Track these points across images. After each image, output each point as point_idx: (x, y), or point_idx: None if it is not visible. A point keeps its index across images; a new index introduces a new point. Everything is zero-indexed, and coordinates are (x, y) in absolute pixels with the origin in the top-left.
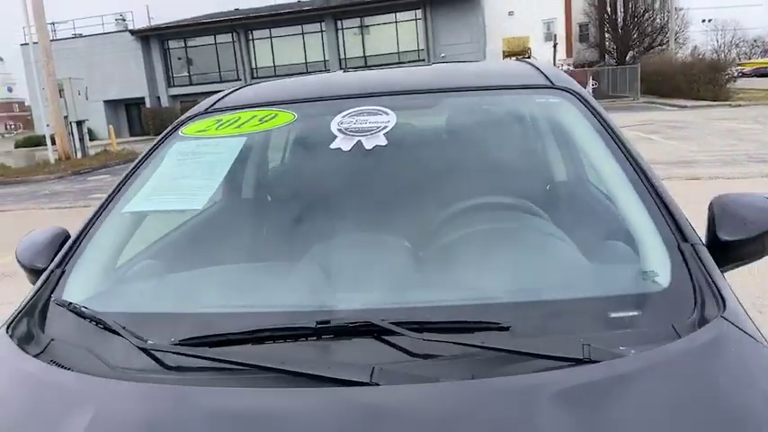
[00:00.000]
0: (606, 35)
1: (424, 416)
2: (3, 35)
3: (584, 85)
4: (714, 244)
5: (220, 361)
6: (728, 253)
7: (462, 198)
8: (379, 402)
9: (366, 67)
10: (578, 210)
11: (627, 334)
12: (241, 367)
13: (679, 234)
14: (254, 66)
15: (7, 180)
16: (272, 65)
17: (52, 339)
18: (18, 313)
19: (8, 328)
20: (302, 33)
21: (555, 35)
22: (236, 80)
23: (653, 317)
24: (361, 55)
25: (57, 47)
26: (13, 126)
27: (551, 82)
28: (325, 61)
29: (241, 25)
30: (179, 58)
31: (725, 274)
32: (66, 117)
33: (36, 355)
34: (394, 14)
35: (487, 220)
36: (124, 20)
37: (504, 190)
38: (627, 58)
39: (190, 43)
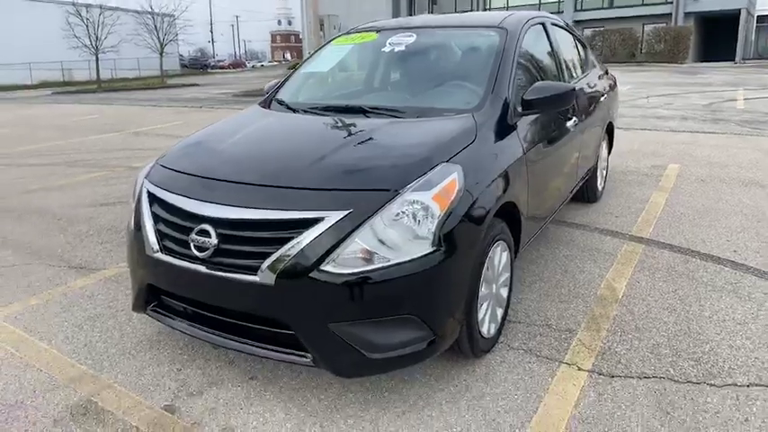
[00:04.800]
0: None
1: (358, 123)
2: None
3: None
4: (522, 100)
5: (314, 112)
6: (528, 106)
7: (428, 72)
8: (358, 118)
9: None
10: (468, 79)
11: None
12: (322, 111)
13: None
14: (488, 6)
15: None
16: (505, 5)
17: (270, 108)
18: (262, 100)
19: (259, 104)
20: None
21: None
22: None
23: None
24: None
25: None
26: (290, 54)
27: (498, 24)
28: (559, 2)
29: None
30: None
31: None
32: None
33: (264, 107)
34: None
35: (428, 83)
36: None
37: (447, 70)
38: None
39: None
